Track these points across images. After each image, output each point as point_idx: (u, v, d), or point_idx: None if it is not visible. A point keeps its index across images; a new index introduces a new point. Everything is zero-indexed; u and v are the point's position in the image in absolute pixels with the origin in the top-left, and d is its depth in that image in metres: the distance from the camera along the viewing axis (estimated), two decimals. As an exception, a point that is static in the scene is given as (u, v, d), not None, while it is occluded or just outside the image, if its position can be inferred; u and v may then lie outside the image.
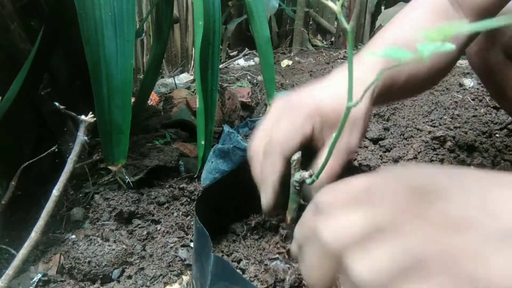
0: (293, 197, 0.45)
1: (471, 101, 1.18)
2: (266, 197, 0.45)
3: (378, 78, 0.27)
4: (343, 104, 0.36)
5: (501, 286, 0.22)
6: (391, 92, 0.50)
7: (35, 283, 0.61)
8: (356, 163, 0.94)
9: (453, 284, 0.23)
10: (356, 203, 0.27)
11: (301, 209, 0.47)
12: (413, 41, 0.25)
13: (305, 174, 0.42)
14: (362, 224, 0.25)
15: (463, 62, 1.94)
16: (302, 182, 0.43)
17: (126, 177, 0.81)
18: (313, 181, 0.41)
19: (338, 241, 0.26)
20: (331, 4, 0.28)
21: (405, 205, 0.25)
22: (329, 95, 0.46)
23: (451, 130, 1.03)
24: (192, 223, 0.74)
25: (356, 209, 0.26)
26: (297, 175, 0.43)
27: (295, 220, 0.48)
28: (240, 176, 0.57)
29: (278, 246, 0.49)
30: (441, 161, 0.95)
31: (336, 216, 0.27)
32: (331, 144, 0.35)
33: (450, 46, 0.23)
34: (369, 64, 0.48)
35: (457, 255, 0.23)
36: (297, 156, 0.43)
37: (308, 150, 0.47)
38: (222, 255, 0.51)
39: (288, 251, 0.49)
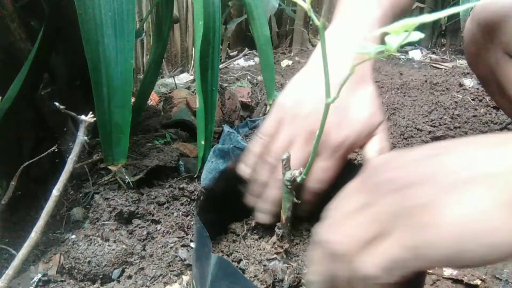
0: (286, 196, 0.46)
1: (471, 101, 1.18)
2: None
3: (352, 72, 0.30)
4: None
5: (452, 233, 0.23)
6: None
7: (35, 283, 0.61)
8: (356, 163, 0.94)
9: (408, 236, 0.25)
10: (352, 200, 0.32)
11: (294, 207, 0.48)
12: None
13: (296, 172, 0.43)
14: (349, 209, 0.31)
15: (463, 62, 1.94)
16: (293, 181, 0.43)
17: (126, 177, 0.81)
18: (302, 179, 0.42)
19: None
20: (301, 2, 0.28)
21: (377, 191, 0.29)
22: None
23: (451, 130, 1.03)
24: (192, 223, 0.74)
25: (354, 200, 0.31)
26: (287, 174, 0.43)
27: (290, 219, 0.48)
28: (238, 173, 0.57)
29: (276, 246, 0.49)
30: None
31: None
32: (315, 141, 0.37)
33: (418, 36, 0.25)
34: (367, 22, 0.52)
35: (410, 209, 0.25)
36: (286, 155, 0.43)
37: None
38: (222, 255, 0.51)
39: (285, 250, 0.49)
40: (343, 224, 0.30)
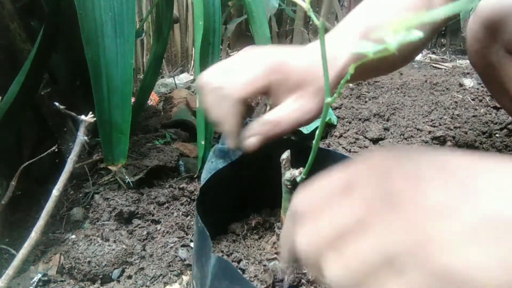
0: (286, 196, 0.45)
1: (471, 101, 1.18)
2: (232, 135, 0.49)
3: (350, 73, 0.28)
4: (307, 70, 0.45)
5: (478, 280, 0.20)
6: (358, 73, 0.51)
7: (35, 283, 0.61)
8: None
9: (426, 279, 0.21)
10: (328, 205, 0.26)
11: None
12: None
13: (295, 172, 0.43)
14: (335, 226, 0.25)
15: (463, 62, 1.94)
16: (293, 181, 0.43)
17: (126, 177, 0.81)
18: (302, 179, 0.42)
19: (312, 247, 0.26)
20: (301, 2, 0.28)
21: (377, 199, 0.24)
22: (296, 58, 0.48)
23: (451, 130, 1.03)
24: (192, 223, 0.74)
25: (328, 211, 0.26)
26: (287, 174, 0.43)
27: None
28: (238, 173, 0.57)
29: (276, 246, 0.49)
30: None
31: (309, 223, 0.27)
32: (315, 140, 0.37)
33: (418, 34, 0.23)
34: (340, 40, 0.49)
35: (431, 247, 0.22)
36: (286, 155, 0.43)
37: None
38: (222, 255, 0.51)
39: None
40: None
